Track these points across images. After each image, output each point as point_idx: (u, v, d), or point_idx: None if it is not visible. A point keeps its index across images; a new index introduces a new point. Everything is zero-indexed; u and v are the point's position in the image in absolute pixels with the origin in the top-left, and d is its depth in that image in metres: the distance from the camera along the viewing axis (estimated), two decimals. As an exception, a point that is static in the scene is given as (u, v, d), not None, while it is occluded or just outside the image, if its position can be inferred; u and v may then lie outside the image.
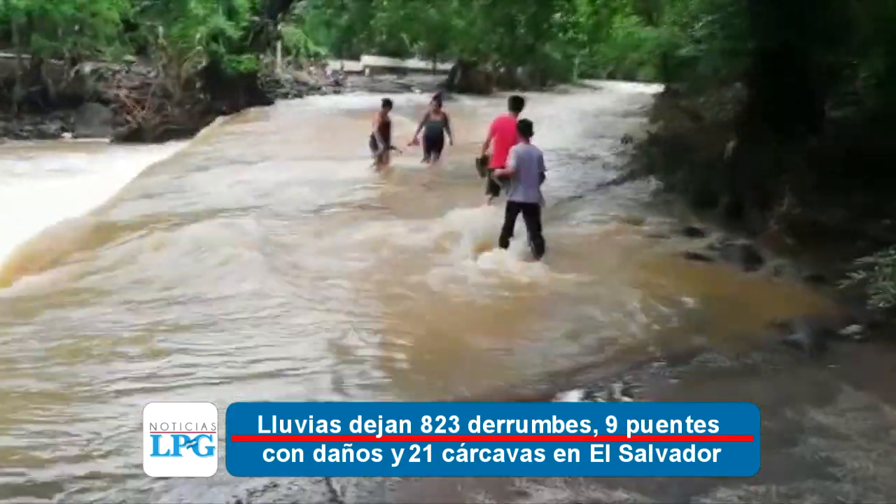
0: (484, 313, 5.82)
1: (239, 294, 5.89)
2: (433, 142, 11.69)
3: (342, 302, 5.84)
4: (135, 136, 19.58)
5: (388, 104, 11.72)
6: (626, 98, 31.57)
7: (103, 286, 6.21)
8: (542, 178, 7.16)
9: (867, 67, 8.77)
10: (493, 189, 8.38)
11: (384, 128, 11.52)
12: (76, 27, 22.25)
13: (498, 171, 7.48)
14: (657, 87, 29.34)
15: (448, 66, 36.48)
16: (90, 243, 7.55)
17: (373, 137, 11.56)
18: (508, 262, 6.83)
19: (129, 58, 23.63)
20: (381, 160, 11.61)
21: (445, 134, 11.65)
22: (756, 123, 8.80)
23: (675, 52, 18.29)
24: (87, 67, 21.76)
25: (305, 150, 13.94)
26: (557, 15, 15.78)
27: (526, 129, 7.21)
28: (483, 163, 8.77)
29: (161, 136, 19.47)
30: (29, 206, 9.64)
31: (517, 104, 8.57)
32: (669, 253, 7.38)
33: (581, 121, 20.48)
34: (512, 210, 7.07)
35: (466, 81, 30.20)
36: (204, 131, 17.90)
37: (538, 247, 7.00)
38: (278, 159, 12.88)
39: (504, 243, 7.12)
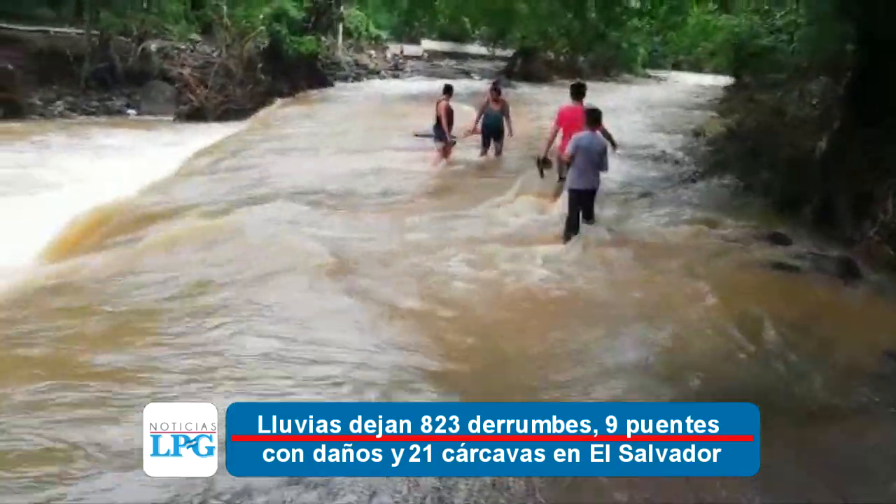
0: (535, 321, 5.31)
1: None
2: (492, 133, 10.90)
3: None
4: (196, 115, 19.47)
5: (448, 91, 10.98)
6: (693, 90, 30.17)
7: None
8: (605, 168, 7.07)
9: None
10: (563, 178, 7.92)
11: (449, 116, 10.73)
12: (144, 4, 22.38)
13: (563, 158, 7.49)
14: (725, 80, 27.99)
15: (508, 52, 35.65)
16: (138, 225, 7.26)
17: (438, 126, 10.73)
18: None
19: (195, 37, 23.66)
20: (445, 152, 10.84)
21: (505, 124, 10.83)
22: (853, 120, 7.88)
23: (751, 41, 17.22)
24: (154, 45, 21.78)
25: (362, 138, 13.34)
26: (632, -1, 14.86)
27: (592, 117, 7.09)
28: (544, 163, 8.38)
29: (222, 116, 19.35)
30: (82, 184, 9.47)
31: (580, 91, 8.44)
32: (751, 261, 6.60)
33: (647, 113, 19.47)
34: (573, 199, 7.01)
35: (527, 69, 29.30)
36: (262, 113, 17.66)
37: (570, 230, 7.01)
38: (330, 149, 12.32)
39: (568, 237, 7.00)
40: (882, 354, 4.61)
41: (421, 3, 23.79)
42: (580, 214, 7.03)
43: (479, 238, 7.16)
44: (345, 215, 8.00)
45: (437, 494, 3.11)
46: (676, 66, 38.54)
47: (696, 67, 36.09)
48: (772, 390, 4.15)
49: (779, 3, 15.88)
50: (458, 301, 5.51)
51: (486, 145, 10.99)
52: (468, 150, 11.15)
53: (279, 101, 20.70)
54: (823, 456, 3.58)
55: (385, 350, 4.57)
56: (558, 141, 8.11)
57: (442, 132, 10.63)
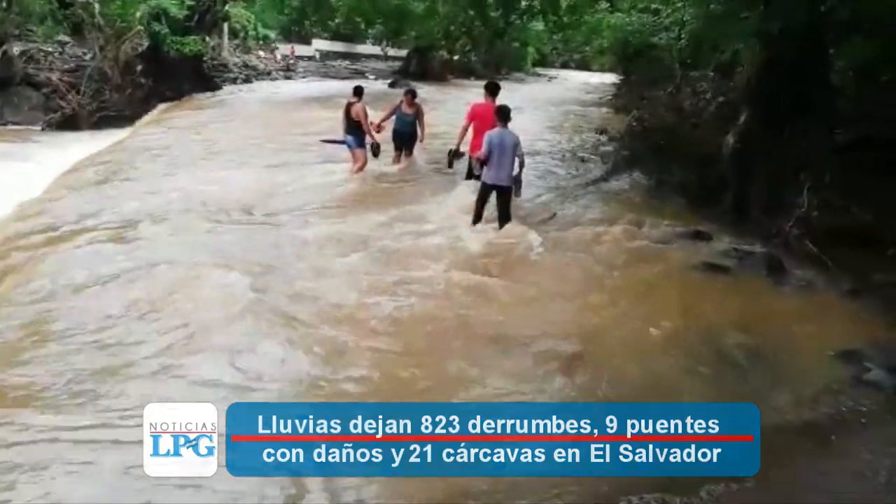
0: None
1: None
2: (404, 138, 10.12)
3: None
4: (69, 124, 17.65)
5: (359, 92, 9.98)
6: (582, 87, 30.81)
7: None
8: (521, 163, 7.24)
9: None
10: (472, 175, 8.15)
11: (364, 119, 9.78)
12: (3, 3, 20.13)
13: (474, 156, 7.61)
14: (612, 78, 28.71)
15: (400, 52, 35.15)
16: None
17: (356, 130, 9.71)
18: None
19: (64, 38, 21.58)
20: (358, 159, 9.81)
21: (418, 130, 10.05)
22: (758, 115, 7.88)
23: (640, 39, 17.52)
24: (16, 48, 19.62)
25: (256, 148, 11.97)
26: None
27: (503, 114, 7.23)
28: (455, 154, 8.58)
29: (98, 124, 17.67)
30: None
31: (494, 89, 8.47)
32: (681, 262, 6.39)
33: (544, 111, 19.52)
34: (484, 190, 7.21)
35: (422, 68, 28.90)
36: (144, 119, 16.22)
37: (502, 223, 7.14)
38: (225, 158, 11.07)
39: (476, 220, 7.25)
40: (834, 357, 4.42)
41: (313, 1, 22.81)
42: (484, 206, 7.24)
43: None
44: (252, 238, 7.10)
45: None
46: (565, 66, 39.43)
47: (584, 66, 37.04)
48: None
49: (666, 1, 16.17)
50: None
51: (398, 150, 10.24)
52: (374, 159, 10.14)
53: (162, 105, 19.19)
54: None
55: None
56: (471, 137, 8.17)
57: (362, 135, 9.70)
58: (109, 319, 4.91)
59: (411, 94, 10.23)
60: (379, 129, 9.98)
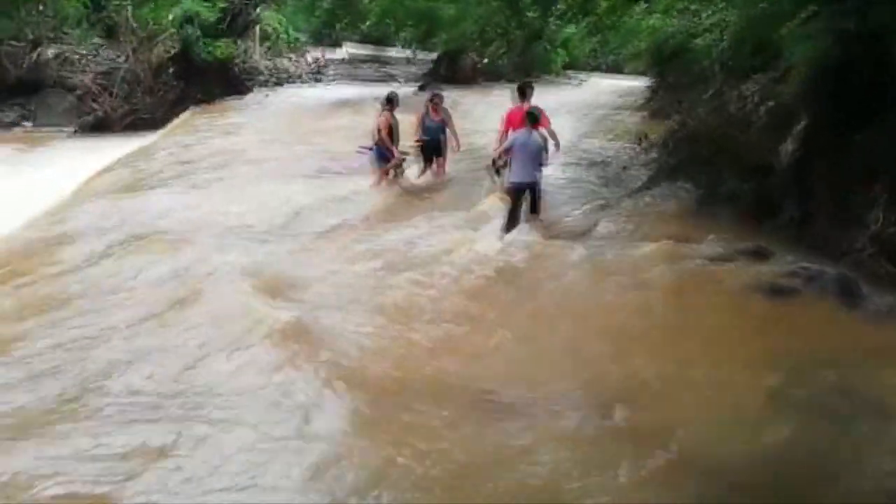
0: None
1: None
2: (432, 148, 9.35)
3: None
4: (101, 126, 17.51)
5: (392, 101, 9.21)
6: (614, 91, 29.94)
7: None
8: (543, 162, 7.23)
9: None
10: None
11: (390, 130, 9.06)
12: (39, 7, 20.04)
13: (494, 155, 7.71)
14: (644, 82, 27.84)
15: (429, 55, 34.61)
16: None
17: (379, 146, 9.04)
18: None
19: (98, 41, 21.45)
20: (389, 173, 9.22)
21: (449, 137, 9.35)
22: (823, 121, 7.18)
23: (681, 40, 16.75)
24: (50, 51, 19.50)
25: (291, 153, 11.51)
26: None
27: (531, 117, 7.25)
28: (498, 164, 8.11)
29: (129, 126, 17.47)
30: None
31: (525, 91, 8.36)
32: (741, 284, 5.74)
33: (576, 115, 18.81)
34: (512, 192, 7.15)
35: (451, 72, 28.30)
36: (175, 122, 15.91)
37: (510, 224, 7.02)
38: (247, 170, 10.47)
39: (508, 229, 7.05)
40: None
41: (343, 5, 22.35)
42: (521, 209, 7.15)
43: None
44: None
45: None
46: (595, 69, 38.47)
47: (615, 69, 36.06)
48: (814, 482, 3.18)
49: (706, 2, 15.40)
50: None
51: (427, 162, 9.44)
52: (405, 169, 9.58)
53: (193, 109, 18.92)
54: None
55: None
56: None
57: (384, 150, 9.01)
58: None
59: (437, 97, 9.43)
60: (419, 141, 9.29)
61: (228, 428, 3.57)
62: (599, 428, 3.64)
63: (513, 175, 7.14)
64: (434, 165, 9.44)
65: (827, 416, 3.58)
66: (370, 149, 9.25)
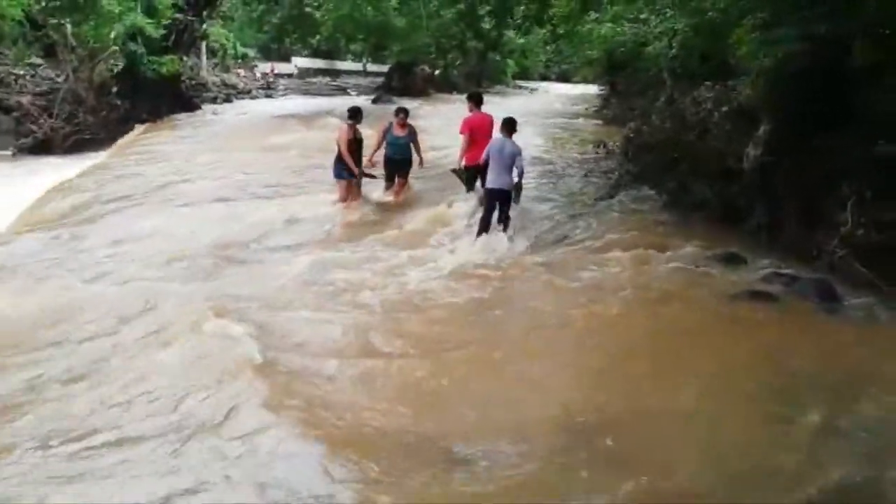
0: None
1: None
2: (398, 164, 8.81)
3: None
4: (42, 148, 16.67)
5: (356, 115, 8.62)
6: (566, 99, 30.29)
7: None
8: (521, 172, 7.28)
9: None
10: (473, 186, 8.17)
11: (351, 146, 8.45)
12: (-29, 27, 19.07)
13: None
14: (594, 89, 28.15)
15: (381, 68, 34.38)
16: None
17: (340, 161, 8.50)
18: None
19: (37, 60, 20.53)
20: (349, 191, 8.67)
21: (413, 153, 8.82)
22: (786, 127, 7.18)
23: (633, 50, 16.90)
24: (-15, 71, 18.57)
25: (236, 175, 10.83)
26: (522, 7, 13.99)
27: (509, 126, 7.31)
28: (461, 170, 8.31)
29: (72, 147, 16.69)
30: None
31: (479, 99, 8.40)
32: (721, 292, 5.63)
33: (533, 124, 18.78)
34: (488, 197, 7.23)
35: (404, 84, 28.20)
36: (121, 142, 15.27)
37: (505, 224, 7.21)
38: (205, 188, 9.94)
39: (480, 234, 7.16)
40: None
41: (294, 19, 21.94)
42: (493, 215, 7.19)
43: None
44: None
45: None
46: (545, 77, 38.88)
47: (564, 78, 36.51)
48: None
49: (655, 11, 15.57)
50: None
51: (390, 180, 8.96)
52: (367, 186, 9.01)
53: (139, 127, 18.26)
54: None
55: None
56: (465, 149, 8.08)
57: (343, 166, 8.48)
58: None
59: (403, 113, 8.89)
60: (371, 163, 8.79)
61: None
62: (575, 451, 3.41)
63: (488, 181, 7.17)
64: (397, 183, 8.98)
65: (809, 421, 3.44)
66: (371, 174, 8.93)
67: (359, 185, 8.75)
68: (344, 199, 8.60)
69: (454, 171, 8.46)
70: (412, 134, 8.78)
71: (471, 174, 8.18)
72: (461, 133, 8.09)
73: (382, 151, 8.85)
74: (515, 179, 7.19)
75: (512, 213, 7.35)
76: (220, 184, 10.23)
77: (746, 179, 7.48)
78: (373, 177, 8.86)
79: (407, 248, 6.98)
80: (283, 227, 7.89)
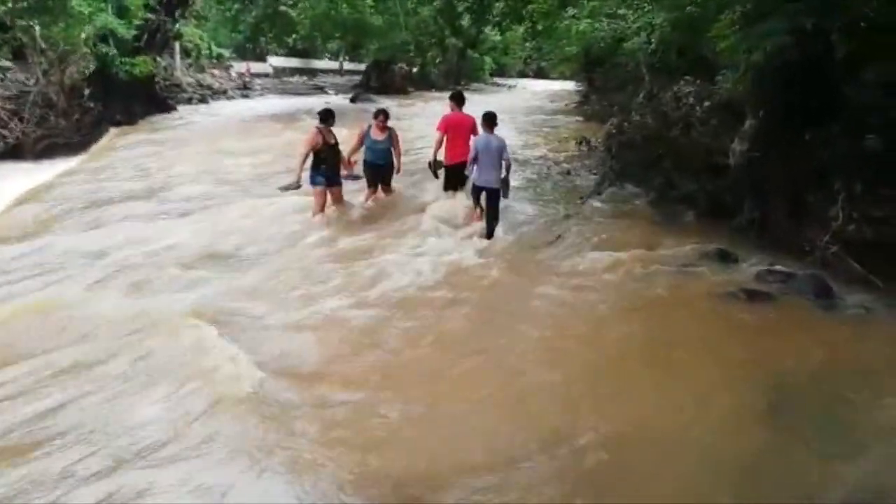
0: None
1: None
2: (379, 169, 8.27)
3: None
4: (13, 153, 16.16)
5: (327, 118, 7.80)
6: (544, 96, 30.22)
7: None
8: (508, 167, 7.29)
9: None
10: (452, 186, 8.15)
11: (329, 153, 7.72)
12: (-65, 29, 18.47)
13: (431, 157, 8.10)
14: (571, 85, 28.11)
15: (357, 66, 34.04)
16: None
17: (316, 166, 7.68)
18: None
19: (5, 63, 19.95)
20: (336, 196, 7.99)
21: (394, 158, 8.25)
22: (772, 121, 7.10)
23: (611, 46, 16.82)
24: (-48, 75, 17.99)
25: (214, 181, 10.41)
26: (500, 4, 13.81)
27: (489, 120, 7.29)
28: (436, 164, 8.19)
29: (44, 152, 16.20)
30: None
31: (460, 99, 8.27)
32: (716, 291, 5.51)
33: (512, 121, 18.67)
34: (475, 191, 7.35)
35: (382, 82, 27.92)
36: (95, 147, 14.86)
37: (489, 230, 7.19)
38: (174, 199, 9.29)
39: (489, 235, 7.20)
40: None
41: (269, 17, 21.55)
42: (482, 206, 7.33)
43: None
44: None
45: None
46: (522, 74, 38.79)
47: (541, 74, 36.45)
48: None
49: (632, 7, 15.52)
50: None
51: (372, 186, 8.39)
52: (348, 193, 8.30)
53: (113, 130, 17.83)
54: None
55: None
56: (445, 145, 7.99)
57: (318, 171, 7.70)
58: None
59: (383, 115, 8.25)
60: (350, 164, 8.15)
61: None
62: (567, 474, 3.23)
63: (476, 178, 7.22)
64: (380, 189, 8.46)
65: (821, 430, 3.28)
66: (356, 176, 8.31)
67: (338, 193, 8.04)
68: (321, 209, 7.80)
69: (429, 164, 8.26)
70: (393, 138, 8.23)
71: (450, 173, 8.04)
72: (437, 130, 7.98)
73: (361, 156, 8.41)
74: (503, 174, 7.16)
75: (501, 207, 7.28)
76: (197, 190, 9.82)
77: (733, 175, 7.41)
78: (358, 177, 8.32)
79: (384, 252, 6.74)
80: (267, 232, 7.57)
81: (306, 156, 7.61)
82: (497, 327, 5.11)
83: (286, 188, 7.76)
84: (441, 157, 8.09)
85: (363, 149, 8.29)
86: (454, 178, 8.02)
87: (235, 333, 4.65)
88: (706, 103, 11.29)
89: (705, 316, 5.02)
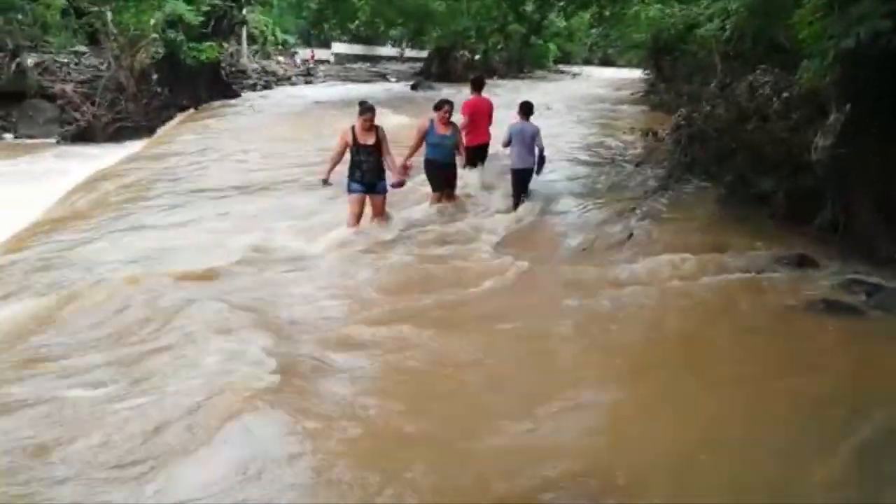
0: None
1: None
2: (444, 169, 7.28)
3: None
4: (85, 136, 16.72)
5: (364, 111, 6.51)
6: (609, 84, 29.30)
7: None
8: (542, 158, 7.72)
9: None
10: (472, 164, 8.12)
11: (365, 154, 6.53)
12: (18, 15, 19.17)
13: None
14: (638, 73, 27.13)
15: (419, 53, 33.86)
16: None
17: (352, 169, 6.59)
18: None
19: (81, 48, 20.62)
20: (377, 206, 6.77)
21: (457, 156, 7.38)
22: (861, 114, 6.46)
23: (682, 33, 16.05)
24: (30, 60, 18.67)
25: (287, 164, 10.45)
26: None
27: (526, 110, 7.77)
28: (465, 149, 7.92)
29: (114, 135, 16.70)
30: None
31: (479, 84, 8.48)
32: (792, 302, 5.01)
33: (576, 110, 18.13)
34: (514, 178, 7.75)
35: (443, 69, 27.64)
36: (161, 131, 15.13)
37: (516, 203, 7.70)
38: (236, 186, 9.27)
39: (515, 207, 7.67)
40: None
41: (331, 3, 21.52)
42: (520, 191, 7.73)
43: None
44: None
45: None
46: (587, 62, 37.80)
47: (607, 62, 35.43)
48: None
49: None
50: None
51: (437, 189, 7.36)
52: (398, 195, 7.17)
53: (180, 115, 18.18)
54: None
55: None
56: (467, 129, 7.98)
57: (352, 176, 6.62)
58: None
59: (448, 106, 7.10)
60: (405, 168, 6.87)
61: None
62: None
63: (514, 163, 7.70)
64: (445, 195, 7.46)
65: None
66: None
67: (380, 199, 6.80)
68: (356, 220, 6.64)
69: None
70: (457, 132, 7.29)
71: (473, 153, 8.03)
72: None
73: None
74: (537, 157, 7.67)
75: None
76: (264, 177, 9.81)
77: (815, 173, 6.81)
78: (401, 185, 6.87)
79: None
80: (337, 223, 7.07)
81: (337, 158, 6.59)
82: (547, 329, 4.78)
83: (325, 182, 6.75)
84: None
85: (427, 146, 7.19)
86: (475, 158, 8.12)
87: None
88: (784, 94, 10.54)
89: (778, 329, 4.55)
